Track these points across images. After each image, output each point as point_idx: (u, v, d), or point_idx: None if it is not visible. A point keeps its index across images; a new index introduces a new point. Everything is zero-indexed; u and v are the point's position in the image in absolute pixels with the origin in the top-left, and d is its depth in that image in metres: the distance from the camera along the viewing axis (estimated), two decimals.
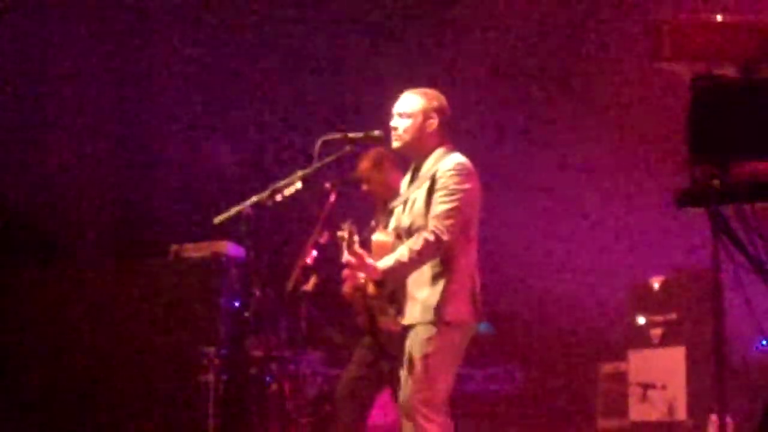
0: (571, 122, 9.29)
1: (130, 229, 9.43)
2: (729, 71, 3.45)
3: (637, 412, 8.16)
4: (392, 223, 5.62)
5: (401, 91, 5.50)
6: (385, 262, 5.23)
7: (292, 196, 5.70)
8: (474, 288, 5.32)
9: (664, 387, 8.00)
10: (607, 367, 8.61)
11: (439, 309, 5.20)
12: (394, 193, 5.81)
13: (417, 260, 5.21)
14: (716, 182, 3.42)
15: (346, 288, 6.02)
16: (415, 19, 9.54)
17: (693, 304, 7.98)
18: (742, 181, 3.41)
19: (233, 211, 5.69)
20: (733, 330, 7.09)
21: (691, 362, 7.90)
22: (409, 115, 5.42)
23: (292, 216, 6.62)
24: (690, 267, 8.10)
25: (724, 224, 3.53)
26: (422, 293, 5.26)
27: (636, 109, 8.78)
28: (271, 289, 6.80)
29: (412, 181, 5.51)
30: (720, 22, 3.45)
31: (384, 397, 6.47)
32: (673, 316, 8.17)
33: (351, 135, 5.65)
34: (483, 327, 5.52)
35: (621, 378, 8.41)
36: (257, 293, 6.45)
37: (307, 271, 6.28)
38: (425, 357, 5.19)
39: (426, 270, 5.26)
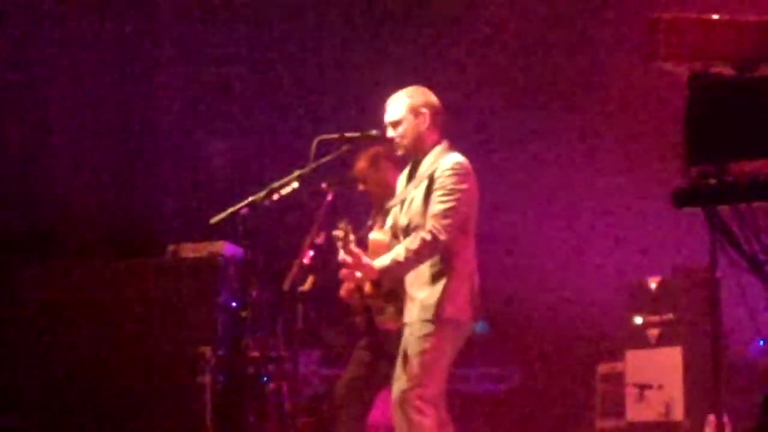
0: (569, 123, 9.28)
1: (127, 229, 9.41)
2: (725, 70, 3.45)
3: (634, 413, 8.15)
4: (389, 222, 5.63)
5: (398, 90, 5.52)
6: (381, 262, 5.24)
7: (289, 196, 5.71)
8: (473, 287, 5.33)
9: (661, 387, 8.00)
10: (604, 368, 8.60)
11: (437, 307, 5.21)
12: (391, 192, 5.81)
13: (414, 260, 5.22)
14: (713, 181, 3.42)
15: (344, 288, 6.02)
16: (415, 18, 9.52)
17: (690, 304, 7.98)
18: (739, 181, 3.41)
19: (230, 211, 5.70)
20: (730, 330, 7.12)
21: (688, 362, 7.89)
22: (399, 121, 5.44)
23: (289, 216, 6.63)
24: (687, 267, 8.10)
25: (721, 224, 3.53)
26: (422, 293, 5.27)
27: (634, 108, 8.77)
28: (268, 289, 6.80)
29: (410, 179, 5.51)
30: (716, 21, 3.45)
31: (383, 396, 6.47)
32: (670, 316, 8.16)
33: (347, 134, 5.65)
34: (479, 326, 5.53)
35: (618, 378, 8.40)
36: (254, 293, 6.44)
37: (304, 271, 6.27)
38: (421, 353, 5.20)
39: (425, 269, 5.27)
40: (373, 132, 5.60)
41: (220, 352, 7.14)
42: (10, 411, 8.09)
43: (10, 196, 8.95)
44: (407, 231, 5.35)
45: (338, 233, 5.20)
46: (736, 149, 3.41)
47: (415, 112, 5.44)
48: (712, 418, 6.95)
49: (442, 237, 5.18)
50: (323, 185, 6.00)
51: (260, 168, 8.90)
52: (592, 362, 8.75)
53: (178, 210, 9.34)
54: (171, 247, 8.07)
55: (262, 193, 5.66)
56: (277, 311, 6.95)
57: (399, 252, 5.22)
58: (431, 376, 5.23)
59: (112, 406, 7.86)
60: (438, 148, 5.42)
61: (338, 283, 5.91)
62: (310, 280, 6.54)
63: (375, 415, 6.60)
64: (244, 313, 6.42)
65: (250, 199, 5.68)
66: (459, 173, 5.29)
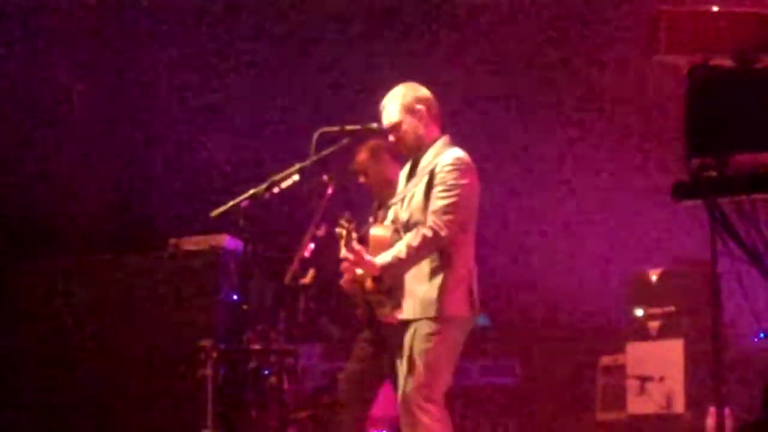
0: (570, 115, 9.27)
1: (129, 223, 9.42)
2: (725, 62, 3.44)
3: (635, 405, 8.15)
4: (389, 217, 5.62)
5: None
6: (383, 258, 5.23)
7: (290, 189, 5.71)
8: (471, 281, 5.32)
9: (662, 379, 8.00)
10: (605, 360, 8.60)
11: (438, 304, 5.20)
12: (392, 185, 5.81)
13: (415, 256, 5.21)
14: (713, 174, 3.41)
15: (345, 280, 6.02)
16: (413, 12, 9.52)
17: (691, 297, 7.97)
18: (739, 173, 3.40)
19: (231, 204, 5.70)
20: (731, 322, 7.12)
21: (689, 355, 7.89)
22: (397, 124, 5.41)
23: (289, 209, 6.63)
24: (688, 259, 8.09)
25: (721, 216, 3.53)
26: (421, 288, 5.26)
27: (634, 100, 8.77)
28: (269, 283, 6.80)
29: (410, 174, 5.50)
30: (716, 13, 3.44)
31: (386, 390, 6.47)
32: (671, 308, 8.16)
33: (348, 127, 5.65)
34: (480, 319, 5.54)
35: (619, 371, 8.39)
36: (255, 286, 6.45)
37: (305, 264, 6.27)
38: (426, 353, 5.19)
39: (424, 265, 5.26)
40: (374, 125, 5.60)
41: (222, 346, 7.14)
42: (11, 405, 8.11)
43: (12, 192, 8.96)
44: (408, 226, 5.34)
45: (340, 230, 5.19)
46: (736, 141, 3.40)
47: (410, 111, 5.41)
48: (713, 410, 6.95)
49: (443, 233, 5.17)
50: (324, 178, 5.99)
51: (261, 161, 8.89)
52: (593, 354, 8.75)
53: (179, 203, 9.33)
54: (172, 241, 8.08)
55: (262, 186, 5.67)
56: (278, 304, 6.95)
57: (400, 248, 5.21)
58: (437, 375, 5.22)
59: (114, 399, 7.88)
60: (438, 143, 5.41)
61: (339, 275, 5.91)
62: (311, 273, 6.54)
63: (377, 409, 6.60)
64: (245, 306, 6.43)
65: (251, 192, 5.69)
66: (459, 168, 5.28)
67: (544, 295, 9.22)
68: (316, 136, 5.56)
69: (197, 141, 9.74)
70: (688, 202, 3.53)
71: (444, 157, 5.32)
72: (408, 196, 5.41)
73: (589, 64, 9.15)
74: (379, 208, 6.17)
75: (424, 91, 5.48)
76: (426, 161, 5.39)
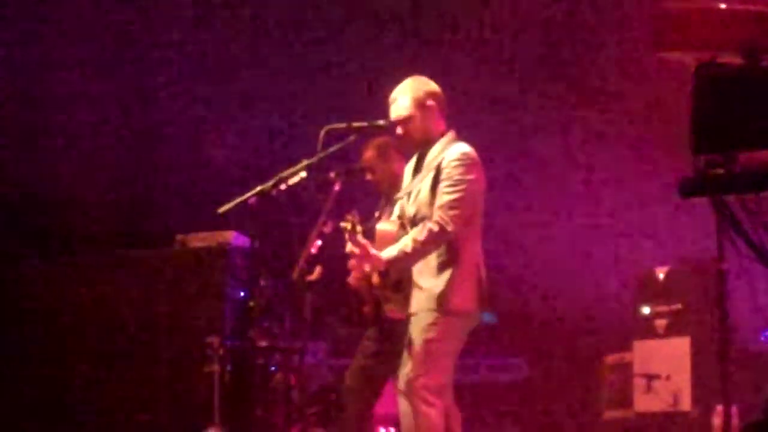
0: (576, 114, 9.26)
1: (135, 219, 9.43)
2: (733, 59, 3.44)
3: (641, 403, 8.15)
4: (396, 212, 5.63)
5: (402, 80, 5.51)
6: (389, 253, 5.24)
7: (297, 186, 5.71)
8: (480, 277, 5.33)
9: (668, 378, 7.99)
10: (612, 358, 8.59)
11: (444, 298, 5.21)
12: (399, 181, 5.81)
13: (421, 251, 5.22)
14: (720, 171, 3.41)
15: (353, 277, 6.02)
16: (416, 9, 9.51)
17: (698, 295, 7.96)
18: (746, 171, 3.40)
19: (238, 200, 5.70)
20: (738, 320, 7.10)
21: (696, 353, 7.87)
22: (407, 118, 5.41)
23: (296, 205, 6.62)
24: (695, 257, 8.08)
25: (728, 214, 3.52)
26: (428, 282, 5.27)
27: (641, 98, 8.75)
28: (276, 279, 6.80)
29: (416, 169, 5.51)
30: (723, 10, 3.44)
31: (391, 387, 6.48)
32: (678, 306, 8.14)
33: (355, 124, 5.65)
34: (487, 316, 5.53)
35: (626, 369, 8.39)
36: (262, 283, 6.45)
37: (312, 261, 6.27)
38: (426, 342, 5.20)
39: (431, 259, 5.27)
40: (381, 122, 5.60)
41: (228, 342, 7.15)
42: (18, 401, 8.12)
43: (19, 189, 8.97)
44: (414, 221, 5.35)
45: (345, 225, 5.20)
46: (744, 139, 3.40)
47: (422, 106, 5.42)
48: (719, 408, 6.94)
49: (449, 228, 5.18)
50: (331, 175, 5.99)
51: (268, 157, 8.90)
52: (599, 352, 8.75)
53: (186, 200, 9.34)
54: (179, 237, 8.09)
55: (269, 183, 5.67)
56: (284, 301, 6.95)
57: (406, 243, 5.22)
58: (436, 365, 5.23)
59: (121, 396, 7.89)
60: (445, 139, 5.42)
61: (346, 272, 5.91)
62: (317, 269, 6.54)
63: (382, 406, 6.60)
64: (252, 303, 6.43)
65: (258, 188, 5.69)
66: (466, 163, 5.28)
67: (552, 293, 9.22)
68: (323, 132, 5.56)
69: (204, 137, 9.74)
70: (695, 200, 3.52)
71: (450, 152, 5.33)
72: (414, 191, 5.42)
73: (596, 64, 9.14)
74: (386, 204, 6.17)
75: (434, 86, 5.49)
76: (432, 155, 5.40)
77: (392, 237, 5.42)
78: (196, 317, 7.70)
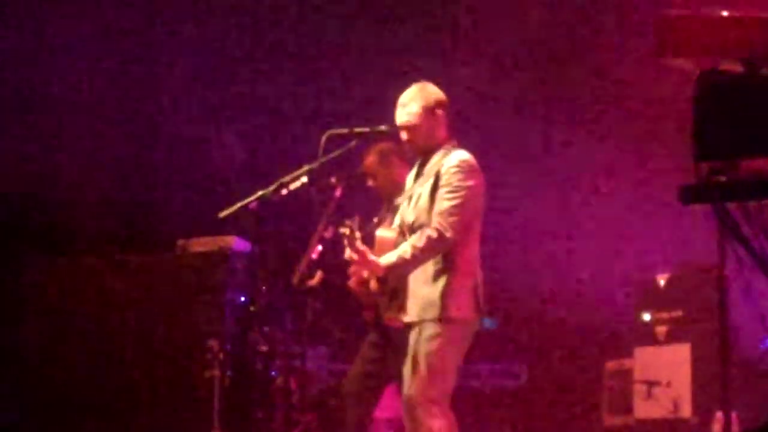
0: (577, 120, 9.26)
1: (136, 223, 9.43)
2: (735, 67, 3.44)
3: (642, 410, 8.14)
4: (397, 220, 5.63)
5: (406, 85, 5.49)
6: (387, 259, 5.24)
7: (298, 191, 5.71)
8: (476, 283, 5.32)
9: (669, 384, 7.98)
10: (612, 364, 8.59)
11: (442, 306, 5.21)
12: (400, 188, 5.81)
13: (420, 257, 5.22)
14: (722, 179, 3.40)
15: (353, 282, 6.02)
16: (419, 9, 9.51)
17: (699, 302, 7.95)
18: (748, 178, 3.40)
19: (239, 205, 5.70)
20: (739, 327, 7.10)
21: (697, 359, 7.87)
22: (415, 126, 5.40)
23: (297, 211, 6.63)
24: (696, 264, 8.08)
25: (730, 221, 3.52)
26: (424, 290, 5.27)
27: (643, 104, 8.75)
28: (276, 284, 6.81)
29: (417, 176, 5.51)
30: (725, 17, 3.43)
31: (390, 392, 6.48)
32: (679, 313, 8.14)
33: (357, 129, 5.65)
34: (486, 322, 5.53)
35: (626, 375, 8.38)
36: (263, 288, 6.45)
37: (312, 266, 6.28)
38: (430, 355, 5.20)
39: (428, 266, 5.27)
40: (383, 127, 5.60)
41: (229, 347, 7.15)
42: (17, 403, 8.12)
43: (22, 191, 8.97)
44: (413, 228, 5.35)
45: (344, 230, 5.20)
46: (746, 146, 3.39)
47: (431, 114, 5.41)
48: (720, 415, 6.94)
49: (448, 234, 5.18)
50: (332, 180, 6.00)
51: (269, 162, 8.90)
52: (600, 359, 8.74)
53: (187, 204, 9.34)
54: (180, 242, 8.09)
55: (271, 188, 5.67)
56: (285, 306, 6.96)
57: (405, 249, 5.22)
58: (440, 377, 5.23)
59: (121, 399, 7.89)
60: (446, 146, 5.42)
61: (346, 277, 5.92)
62: (318, 275, 6.54)
63: (381, 411, 6.60)
64: (252, 308, 6.43)
65: (259, 193, 5.69)
66: (465, 170, 5.29)
67: (552, 299, 9.22)
68: (324, 137, 5.56)
69: (206, 141, 9.74)
70: (697, 207, 3.52)
71: (449, 158, 5.33)
72: (414, 197, 5.41)
73: (597, 69, 9.14)
74: (387, 210, 6.17)
75: (442, 95, 5.48)
76: (433, 162, 5.40)
77: (391, 243, 5.43)
78: (196, 321, 7.69)
